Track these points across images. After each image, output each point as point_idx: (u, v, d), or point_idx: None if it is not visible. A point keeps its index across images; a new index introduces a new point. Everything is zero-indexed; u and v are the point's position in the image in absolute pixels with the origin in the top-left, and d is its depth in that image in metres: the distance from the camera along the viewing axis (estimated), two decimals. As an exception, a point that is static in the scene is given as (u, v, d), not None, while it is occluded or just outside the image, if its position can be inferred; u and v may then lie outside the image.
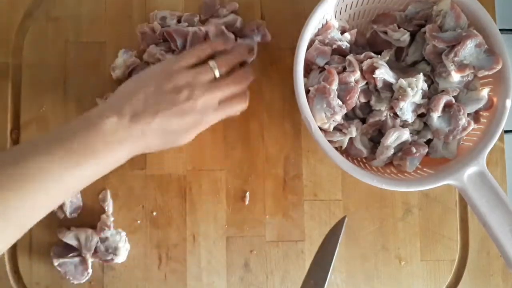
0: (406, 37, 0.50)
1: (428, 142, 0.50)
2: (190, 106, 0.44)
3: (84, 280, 0.51)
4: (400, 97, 0.47)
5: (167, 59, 0.50)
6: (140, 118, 0.42)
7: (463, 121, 0.47)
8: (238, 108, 0.49)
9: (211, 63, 0.47)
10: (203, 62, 0.47)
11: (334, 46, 0.49)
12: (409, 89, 0.46)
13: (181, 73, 0.45)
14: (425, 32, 0.49)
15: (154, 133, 0.43)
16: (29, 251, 0.52)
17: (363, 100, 0.49)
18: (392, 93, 0.48)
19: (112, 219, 0.52)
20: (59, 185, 0.39)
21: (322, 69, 0.49)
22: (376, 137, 0.51)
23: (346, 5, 0.50)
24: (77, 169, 0.39)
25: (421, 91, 0.47)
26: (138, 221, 0.53)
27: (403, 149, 0.48)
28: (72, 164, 0.39)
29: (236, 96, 0.48)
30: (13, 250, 0.52)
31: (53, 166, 0.38)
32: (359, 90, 0.48)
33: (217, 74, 0.47)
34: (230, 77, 0.48)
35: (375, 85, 0.48)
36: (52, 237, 0.52)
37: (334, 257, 0.44)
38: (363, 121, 0.50)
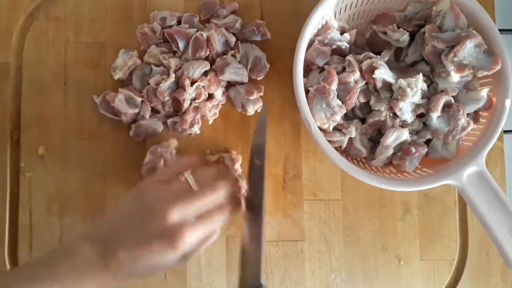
0: (405, 37, 0.50)
1: (428, 142, 0.50)
2: (160, 226, 0.40)
3: None
4: (399, 97, 0.47)
5: (142, 182, 0.46)
6: (107, 254, 0.40)
7: (463, 121, 0.47)
8: (219, 221, 0.43)
9: (186, 173, 0.43)
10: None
11: (334, 46, 0.49)
12: (408, 89, 0.46)
13: (150, 190, 0.42)
14: (424, 33, 0.49)
15: (124, 266, 0.40)
16: (29, 251, 0.52)
17: (362, 100, 0.49)
18: (391, 93, 0.48)
19: None
20: None
21: (321, 69, 0.49)
22: (375, 137, 0.51)
23: (346, 6, 0.51)
24: None
25: (420, 91, 0.47)
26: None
27: (402, 149, 0.48)
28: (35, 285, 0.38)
29: (217, 208, 0.43)
30: (14, 249, 0.52)
31: None
32: (359, 90, 0.48)
33: (193, 185, 0.43)
34: (207, 187, 0.43)
35: (375, 85, 0.48)
36: (52, 237, 0.53)
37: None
38: (363, 121, 0.51)
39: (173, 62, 0.52)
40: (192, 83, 0.51)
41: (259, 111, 0.55)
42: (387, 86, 0.48)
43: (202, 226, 0.42)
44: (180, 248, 0.40)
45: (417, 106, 0.48)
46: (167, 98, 0.51)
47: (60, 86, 0.54)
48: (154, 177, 0.45)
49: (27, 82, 0.54)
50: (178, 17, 0.55)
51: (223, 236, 0.54)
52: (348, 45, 0.51)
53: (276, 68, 0.55)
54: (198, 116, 0.53)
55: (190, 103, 0.52)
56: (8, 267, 0.52)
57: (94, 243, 0.40)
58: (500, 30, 0.47)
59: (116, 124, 0.54)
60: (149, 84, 0.52)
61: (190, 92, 0.51)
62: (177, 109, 0.52)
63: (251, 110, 0.54)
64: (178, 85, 0.52)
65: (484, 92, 0.48)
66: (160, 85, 0.51)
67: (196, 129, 0.53)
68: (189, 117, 0.52)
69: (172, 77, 0.51)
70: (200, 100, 0.52)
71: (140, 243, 0.40)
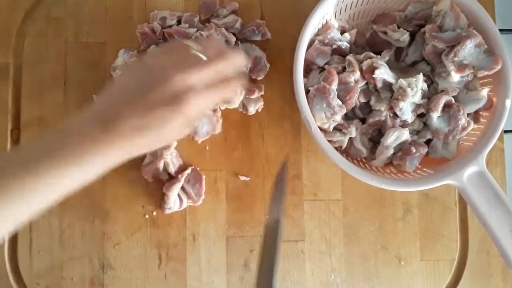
0: (405, 37, 0.50)
1: (428, 142, 0.50)
2: (164, 91, 0.37)
3: None
4: (399, 97, 0.47)
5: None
6: (115, 121, 0.37)
7: (463, 121, 0.47)
8: (231, 90, 0.41)
9: (187, 41, 0.40)
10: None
11: (334, 46, 0.49)
12: (408, 89, 0.46)
13: (153, 58, 0.40)
14: (424, 32, 0.49)
15: (133, 131, 0.38)
16: (29, 251, 0.52)
17: (362, 100, 0.49)
18: (391, 93, 0.48)
19: None
20: (42, 190, 0.35)
21: (322, 69, 0.49)
22: (376, 137, 0.51)
23: (346, 5, 0.50)
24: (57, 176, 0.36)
25: (420, 91, 0.47)
26: (139, 221, 0.53)
27: (402, 149, 0.48)
28: (53, 169, 0.35)
29: (229, 79, 0.40)
30: (13, 250, 0.52)
31: (30, 176, 0.35)
32: (359, 90, 0.48)
33: (198, 52, 0.39)
34: (217, 55, 0.40)
35: (375, 85, 0.48)
36: (52, 237, 0.53)
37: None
38: (363, 121, 0.51)
39: (173, 62, 0.52)
40: (192, 83, 0.51)
41: (259, 110, 0.54)
42: (388, 86, 0.48)
43: (211, 93, 0.39)
44: (185, 113, 0.37)
45: (418, 106, 0.48)
46: (167, 98, 0.51)
47: (60, 86, 0.54)
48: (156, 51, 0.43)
49: (27, 82, 0.54)
50: (178, 17, 0.54)
51: (223, 236, 0.54)
52: (348, 45, 0.51)
53: (276, 68, 0.55)
54: (198, 116, 0.53)
55: (190, 103, 0.52)
56: (8, 268, 0.52)
57: (96, 119, 0.38)
58: (500, 30, 0.47)
59: (116, 124, 0.54)
60: (149, 84, 0.52)
61: (190, 92, 0.51)
62: (177, 109, 0.52)
63: (252, 110, 0.54)
64: (178, 85, 0.52)
65: (485, 92, 0.48)
66: (160, 85, 0.51)
67: (196, 129, 0.53)
68: (189, 117, 0.52)
69: (172, 77, 0.51)
70: (200, 100, 0.52)
71: (141, 110, 0.38)
